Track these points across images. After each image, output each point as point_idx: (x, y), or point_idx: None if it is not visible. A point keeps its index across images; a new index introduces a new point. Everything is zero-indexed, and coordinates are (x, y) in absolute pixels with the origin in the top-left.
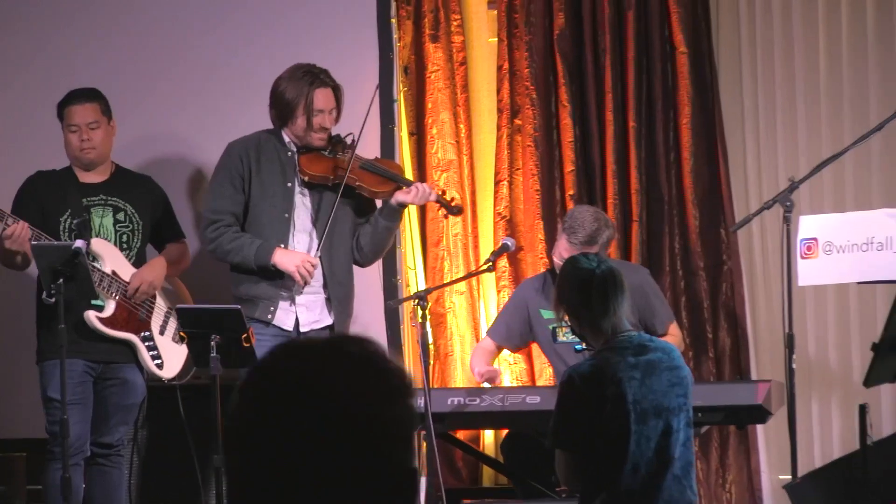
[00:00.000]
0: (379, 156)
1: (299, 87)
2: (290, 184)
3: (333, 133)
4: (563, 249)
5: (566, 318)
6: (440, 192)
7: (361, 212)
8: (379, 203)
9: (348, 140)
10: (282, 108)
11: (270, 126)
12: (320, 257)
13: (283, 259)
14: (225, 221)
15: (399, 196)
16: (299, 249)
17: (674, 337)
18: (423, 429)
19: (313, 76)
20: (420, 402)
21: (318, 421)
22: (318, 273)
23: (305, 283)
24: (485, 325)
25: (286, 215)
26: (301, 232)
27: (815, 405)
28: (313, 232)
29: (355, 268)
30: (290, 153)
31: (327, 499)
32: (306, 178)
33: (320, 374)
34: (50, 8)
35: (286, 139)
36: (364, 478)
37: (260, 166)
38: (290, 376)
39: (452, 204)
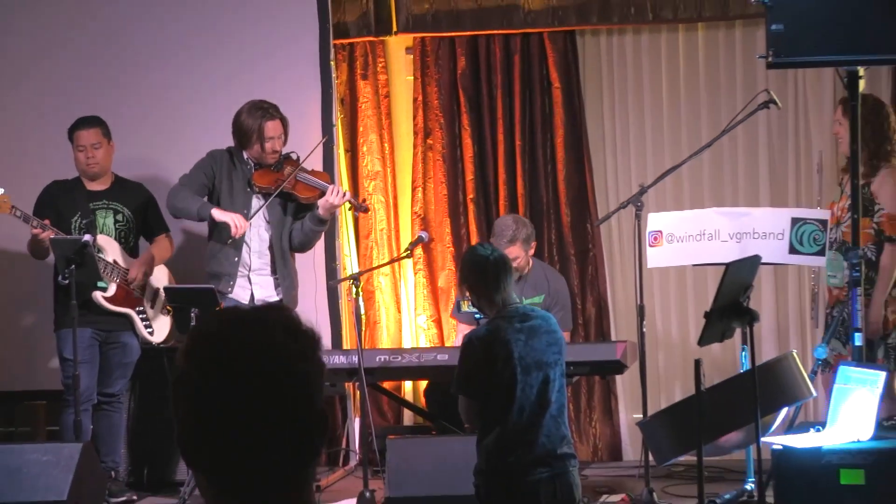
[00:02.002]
0: (321, 167)
1: (254, 119)
2: (248, 189)
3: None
4: None
5: (467, 293)
6: (354, 196)
7: (299, 212)
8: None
9: (294, 156)
10: (241, 136)
11: (231, 144)
12: (271, 247)
13: (220, 214)
14: (189, 187)
15: (324, 200)
16: (254, 239)
17: None
18: (357, 380)
19: (264, 111)
20: (352, 359)
21: (247, 375)
22: (269, 258)
23: (236, 233)
24: (405, 299)
25: (245, 211)
26: (255, 226)
27: (661, 360)
28: (262, 226)
29: (306, 256)
30: (248, 167)
31: (256, 438)
32: (256, 189)
33: (247, 337)
34: (62, 47)
35: (245, 157)
36: (286, 420)
37: (230, 173)
38: (223, 340)
39: (362, 203)
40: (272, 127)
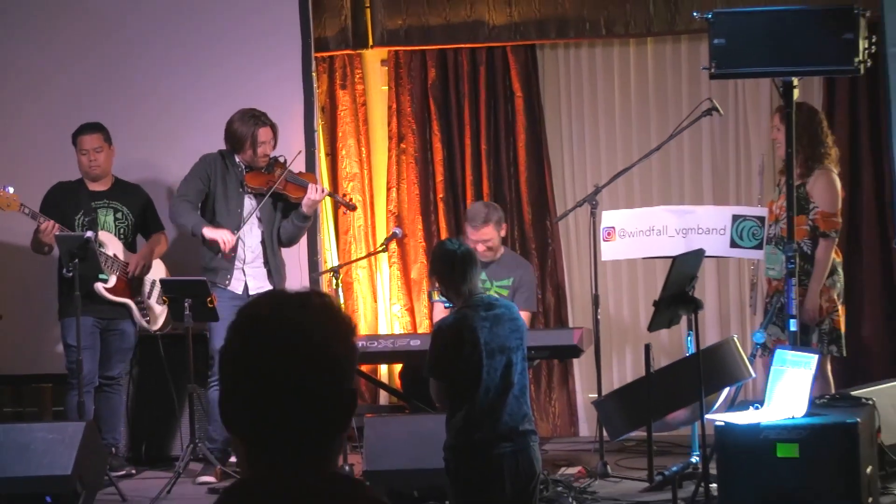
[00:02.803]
0: (304, 170)
1: (247, 126)
2: (241, 190)
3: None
4: (470, 234)
5: (437, 284)
6: (341, 196)
7: (287, 211)
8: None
9: (281, 160)
10: (235, 142)
11: (222, 148)
12: (263, 242)
13: (210, 233)
14: (187, 198)
15: (306, 197)
16: (248, 235)
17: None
18: (356, 358)
19: (256, 118)
20: None
21: (285, 353)
22: (260, 252)
23: (225, 249)
24: (381, 290)
25: (239, 210)
26: (249, 223)
27: (614, 345)
28: (255, 224)
29: (291, 251)
30: (239, 169)
31: (291, 410)
32: (249, 189)
33: (293, 318)
34: (70, 62)
35: (237, 160)
36: (318, 395)
37: (224, 176)
38: (270, 318)
39: (349, 201)
40: (264, 133)
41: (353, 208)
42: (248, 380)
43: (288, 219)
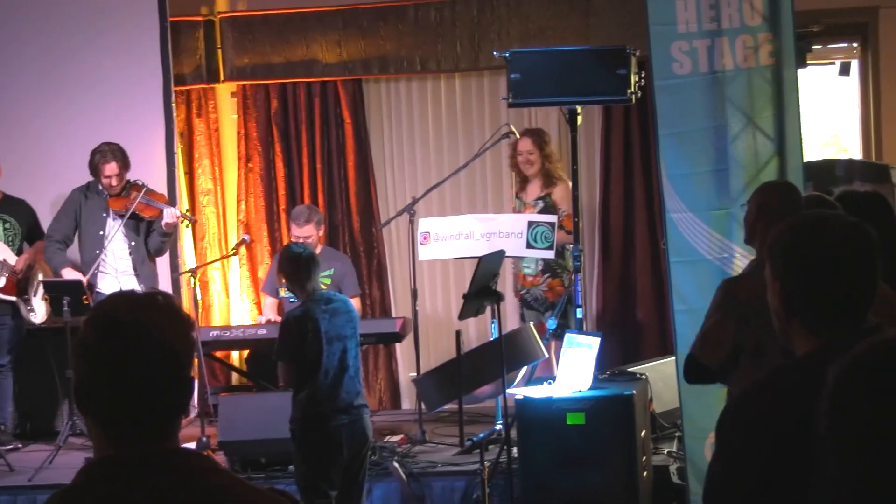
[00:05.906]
0: (165, 186)
1: (95, 162)
2: (104, 214)
3: (133, 178)
4: (294, 231)
5: (284, 281)
6: (184, 211)
7: (150, 226)
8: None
9: (140, 183)
10: (92, 172)
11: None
12: (131, 254)
13: (67, 274)
14: (54, 238)
15: (163, 220)
16: (117, 249)
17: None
18: (195, 350)
19: (103, 154)
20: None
21: (133, 345)
22: (130, 263)
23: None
24: (232, 287)
25: (101, 233)
26: (117, 240)
27: (430, 331)
28: (122, 239)
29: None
30: (104, 195)
31: (137, 394)
32: (112, 212)
33: (140, 316)
34: None
35: (100, 187)
36: (161, 382)
37: (88, 203)
38: (121, 317)
39: (191, 217)
40: (109, 168)
41: (194, 222)
42: (101, 369)
43: (153, 233)
